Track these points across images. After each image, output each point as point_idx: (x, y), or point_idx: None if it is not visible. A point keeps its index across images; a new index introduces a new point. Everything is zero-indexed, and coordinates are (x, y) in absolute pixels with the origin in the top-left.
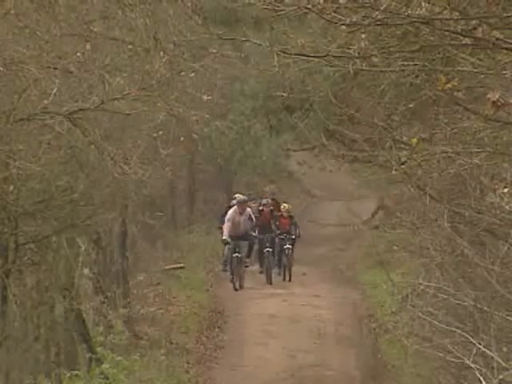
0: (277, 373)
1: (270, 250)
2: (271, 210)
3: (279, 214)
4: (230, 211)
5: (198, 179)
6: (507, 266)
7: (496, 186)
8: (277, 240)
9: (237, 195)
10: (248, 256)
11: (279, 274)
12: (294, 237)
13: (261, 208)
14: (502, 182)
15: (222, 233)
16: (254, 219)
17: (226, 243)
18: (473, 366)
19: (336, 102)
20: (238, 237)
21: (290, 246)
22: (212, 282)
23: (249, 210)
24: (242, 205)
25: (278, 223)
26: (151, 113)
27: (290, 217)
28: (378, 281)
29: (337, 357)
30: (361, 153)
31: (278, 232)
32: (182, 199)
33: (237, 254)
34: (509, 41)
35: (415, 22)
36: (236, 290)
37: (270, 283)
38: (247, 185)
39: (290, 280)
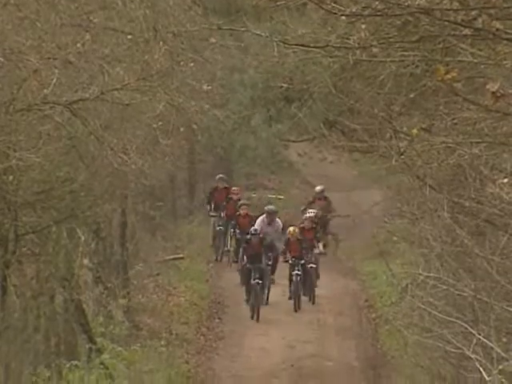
0: (277, 363)
1: (260, 281)
2: (261, 239)
3: (287, 237)
4: (258, 220)
5: (198, 169)
6: (507, 256)
7: (496, 177)
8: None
9: (219, 176)
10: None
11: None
12: (303, 262)
13: (249, 237)
14: (502, 172)
15: (209, 213)
16: (282, 232)
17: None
18: (472, 356)
19: (336, 93)
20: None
21: (299, 273)
22: (212, 272)
23: (279, 221)
24: (271, 215)
25: (286, 248)
26: (151, 103)
27: (299, 240)
28: (378, 271)
29: (336, 347)
30: (361, 143)
31: (285, 257)
32: (181, 189)
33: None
34: (509, 31)
35: (415, 12)
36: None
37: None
38: (247, 175)
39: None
